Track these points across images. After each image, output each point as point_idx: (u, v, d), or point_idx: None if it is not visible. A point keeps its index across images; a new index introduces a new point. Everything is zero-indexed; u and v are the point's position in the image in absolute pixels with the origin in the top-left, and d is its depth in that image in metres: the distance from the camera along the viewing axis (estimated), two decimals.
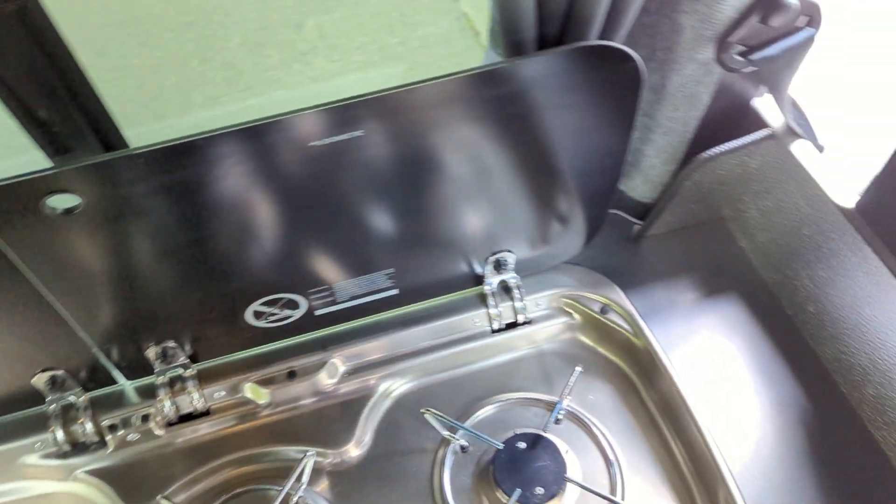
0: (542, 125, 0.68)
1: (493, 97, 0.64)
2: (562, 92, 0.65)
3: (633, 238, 0.93)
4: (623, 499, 0.74)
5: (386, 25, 1.91)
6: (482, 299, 0.85)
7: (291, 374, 0.81)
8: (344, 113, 0.60)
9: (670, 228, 0.92)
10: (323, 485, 0.77)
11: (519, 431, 0.77)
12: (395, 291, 0.81)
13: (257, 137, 0.60)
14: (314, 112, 0.59)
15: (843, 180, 0.74)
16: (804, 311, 0.82)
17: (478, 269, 0.84)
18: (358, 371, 0.83)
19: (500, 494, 0.72)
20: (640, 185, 0.91)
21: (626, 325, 0.84)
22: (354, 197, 0.68)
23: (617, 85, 0.67)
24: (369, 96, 0.60)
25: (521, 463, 0.74)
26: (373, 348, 0.83)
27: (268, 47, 1.89)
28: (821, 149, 0.78)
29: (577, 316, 0.87)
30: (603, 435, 0.78)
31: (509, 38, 0.64)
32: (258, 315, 0.77)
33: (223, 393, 0.80)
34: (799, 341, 0.82)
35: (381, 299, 0.81)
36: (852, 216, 0.69)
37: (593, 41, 0.65)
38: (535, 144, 0.70)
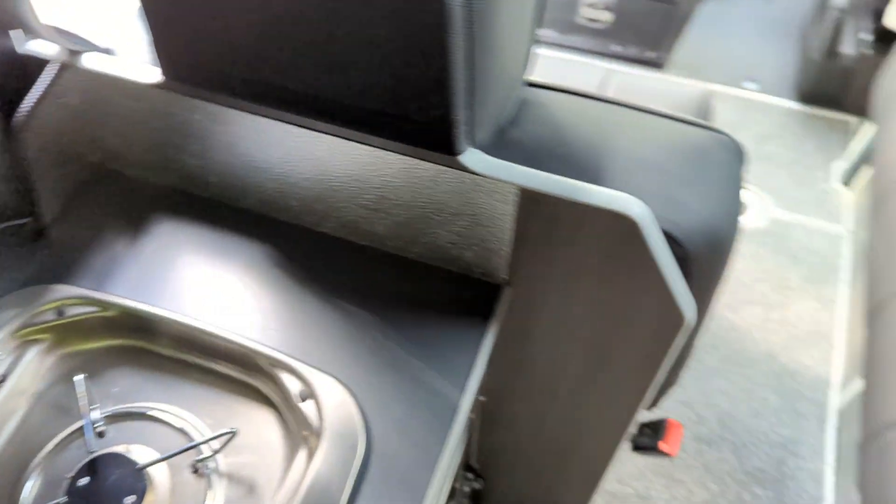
0: None
1: None
2: None
3: (32, 237, 0.86)
4: (206, 441, 0.74)
5: None
6: None
7: None
8: None
9: (61, 205, 0.87)
10: None
11: (70, 474, 0.70)
12: None
13: None
14: None
15: (141, 64, 0.77)
16: (210, 185, 0.87)
17: None
18: None
19: None
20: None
21: (90, 308, 0.80)
22: None
23: None
24: None
25: (96, 494, 0.69)
26: None
27: None
28: (110, 51, 0.79)
29: (44, 336, 0.80)
30: (152, 409, 0.76)
31: None
32: None
33: None
34: (240, 212, 0.88)
35: None
36: (169, 85, 0.73)
37: None
38: None
